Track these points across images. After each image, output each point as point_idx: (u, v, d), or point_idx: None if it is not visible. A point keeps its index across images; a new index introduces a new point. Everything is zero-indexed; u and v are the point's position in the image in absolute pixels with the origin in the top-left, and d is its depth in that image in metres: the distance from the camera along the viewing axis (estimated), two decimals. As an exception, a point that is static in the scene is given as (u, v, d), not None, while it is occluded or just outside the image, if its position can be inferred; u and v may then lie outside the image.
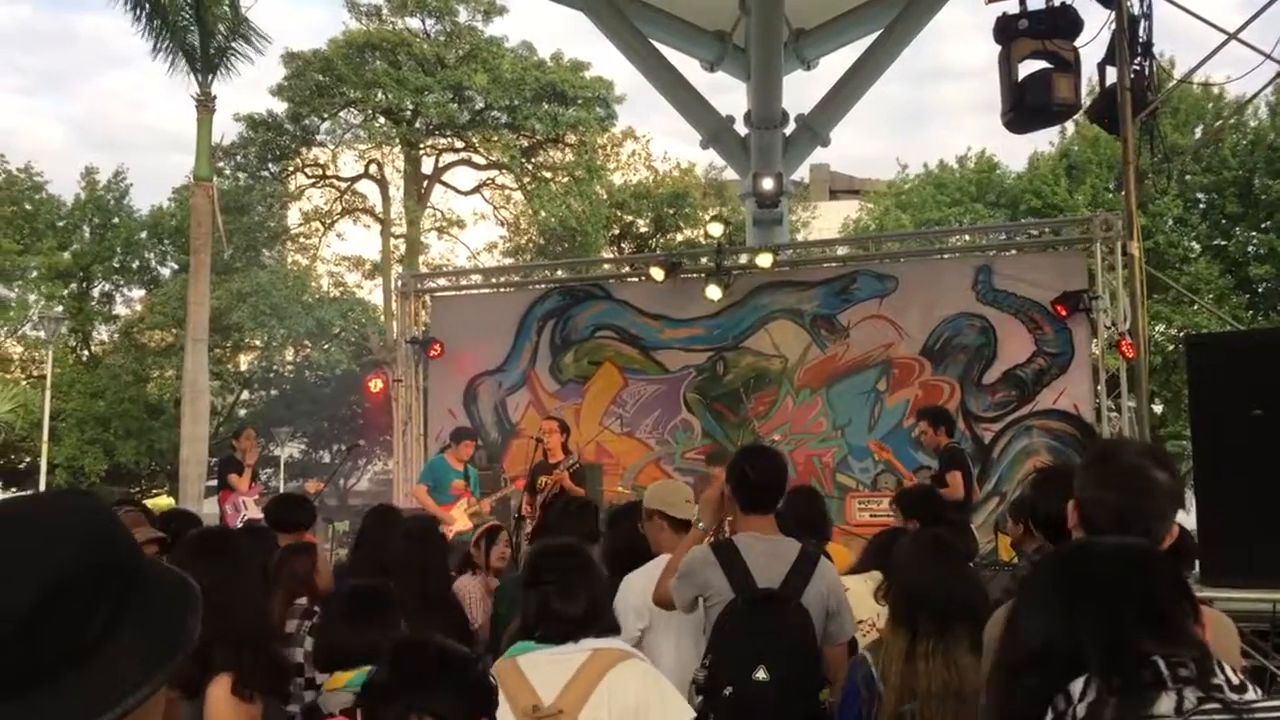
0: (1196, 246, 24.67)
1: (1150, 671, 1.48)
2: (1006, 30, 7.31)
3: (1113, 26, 6.70)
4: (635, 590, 4.01)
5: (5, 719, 0.94)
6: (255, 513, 10.03)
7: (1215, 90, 23.20)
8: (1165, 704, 1.46)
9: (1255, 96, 17.74)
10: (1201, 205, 24.95)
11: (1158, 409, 23.41)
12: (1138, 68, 6.86)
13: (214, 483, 12.69)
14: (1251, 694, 1.51)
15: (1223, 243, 24.54)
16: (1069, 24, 7.14)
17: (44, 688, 0.95)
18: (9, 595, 0.95)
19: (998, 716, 1.64)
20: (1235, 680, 1.52)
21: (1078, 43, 7.15)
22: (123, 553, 1.06)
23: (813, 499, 5.71)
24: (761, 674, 3.42)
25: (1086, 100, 8.65)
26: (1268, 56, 6.61)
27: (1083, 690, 1.49)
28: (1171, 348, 22.37)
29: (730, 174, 23.65)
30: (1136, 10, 6.84)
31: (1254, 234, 24.60)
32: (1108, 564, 1.65)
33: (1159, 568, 1.68)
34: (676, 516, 4.16)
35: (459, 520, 9.16)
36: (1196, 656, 1.51)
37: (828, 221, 34.32)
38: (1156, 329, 23.18)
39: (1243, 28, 6.84)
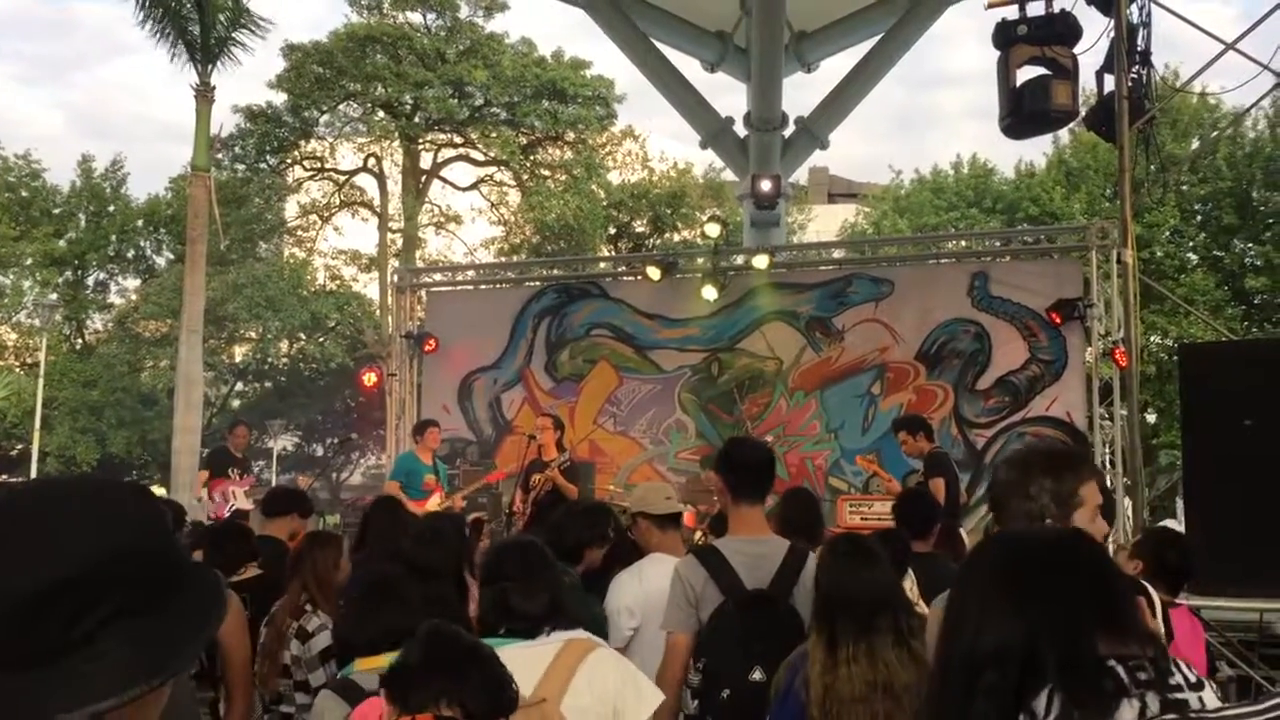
0: (1194, 257, 24.71)
1: (1111, 680, 1.46)
2: (1005, 36, 7.32)
3: (1111, 34, 6.71)
4: (626, 590, 4.03)
5: None
6: (244, 504, 10.02)
7: (1213, 100, 23.27)
8: (1128, 713, 1.46)
9: (1252, 107, 17.78)
10: (1199, 216, 24.98)
11: (1151, 419, 23.46)
12: (1136, 76, 6.88)
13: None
14: (1208, 691, 1.53)
15: (1219, 254, 24.58)
16: (1068, 31, 7.15)
17: (12, 673, 0.95)
18: (14, 580, 0.95)
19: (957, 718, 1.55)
20: (1192, 678, 1.53)
21: (1076, 50, 7.17)
22: (151, 557, 1.05)
23: (807, 501, 5.74)
24: (758, 674, 3.44)
25: (1084, 108, 8.67)
26: (1265, 67, 6.63)
27: (1046, 706, 1.45)
28: (1166, 357, 22.40)
29: (729, 175, 23.67)
30: (1135, 19, 6.86)
31: (1251, 246, 24.64)
32: (1050, 555, 1.60)
33: (1100, 555, 1.64)
34: (656, 514, 4.22)
35: None
36: (1153, 656, 1.51)
37: (826, 224, 34.39)
38: (1152, 339, 23.22)
39: (1240, 38, 6.87)
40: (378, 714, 2.32)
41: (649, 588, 3.95)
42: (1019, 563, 1.60)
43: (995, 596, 1.54)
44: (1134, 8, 6.82)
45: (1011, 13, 7.29)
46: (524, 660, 2.72)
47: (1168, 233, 24.17)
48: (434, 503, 9.41)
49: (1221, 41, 6.94)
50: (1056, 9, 7.16)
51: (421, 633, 2.19)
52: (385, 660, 2.85)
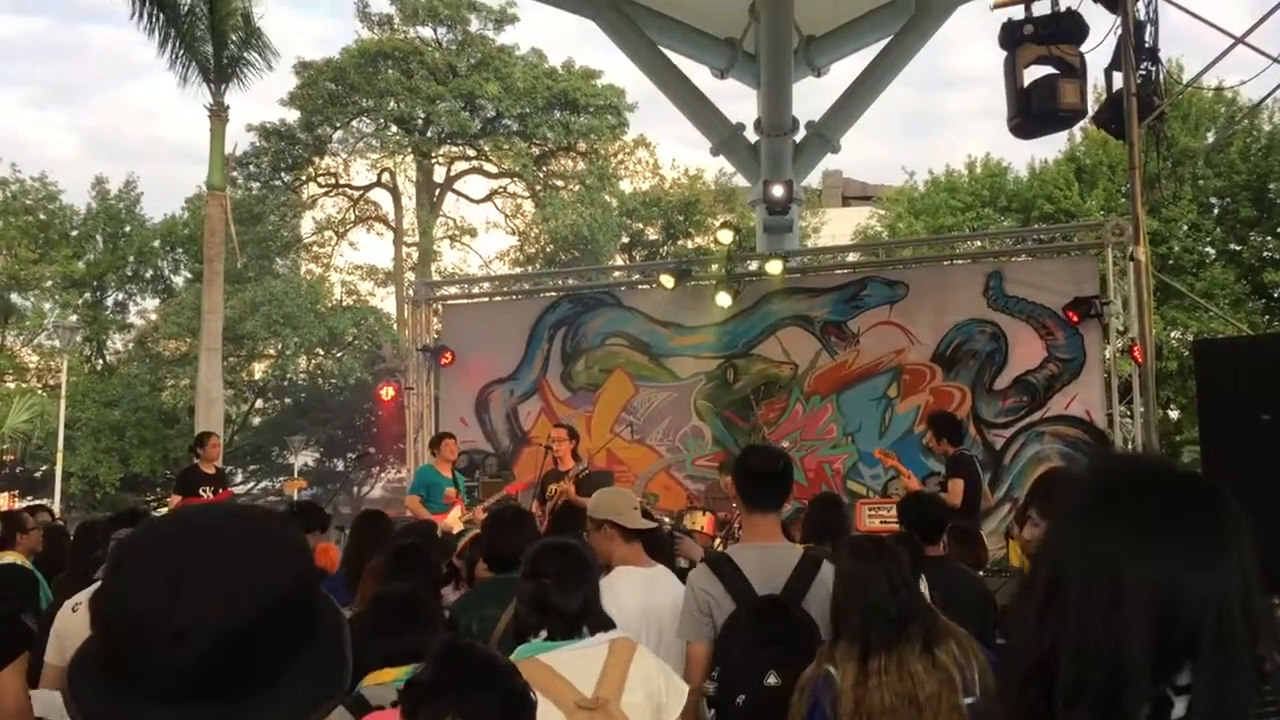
0: (1211, 251, 24.54)
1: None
2: (1012, 36, 7.30)
3: (1118, 32, 6.68)
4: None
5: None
6: None
7: (1227, 94, 23.12)
8: None
9: (1262, 101, 17.66)
10: (1216, 210, 24.81)
11: (1174, 415, 23.30)
12: (1144, 72, 6.85)
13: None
14: None
15: (1238, 248, 24.40)
16: (1074, 29, 7.12)
17: (243, 699, 1.01)
18: (238, 605, 1.00)
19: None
20: None
21: (1084, 48, 7.15)
22: (313, 585, 1.12)
23: (834, 506, 5.73)
24: (773, 679, 3.43)
25: (1093, 105, 8.66)
26: (1274, 60, 6.59)
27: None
28: (1187, 353, 22.23)
29: (740, 180, 23.65)
30: (1142, 15, 6.84)
31: (1269, 239, 24.46)
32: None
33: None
34: (627, 526, 4.05)
35: (455, 528, 9.17)
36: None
37: (840, 227, 34.27)
38: (1173, 335, 23.07)
39: (1249, 32, 6.84)
40: None
41: (623, 603, 3.79)
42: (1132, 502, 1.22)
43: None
44: (1140, 5, 6.81)
45: (1018, 13, 7.27)
46: (577, 662, 2.82)
47: (1185, 227, 24.01)
48: (455, 515, 9.42)
49: (1230, 35, 6.92)
50: (1063, 8, 7.14)
51: (436, 648, 2.20)
52: (394, 674, 2.87)
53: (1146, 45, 6.83)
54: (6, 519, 6.07)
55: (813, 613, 3.59)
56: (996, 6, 7.32)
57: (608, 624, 3.00)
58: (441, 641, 2.26)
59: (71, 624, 4.13)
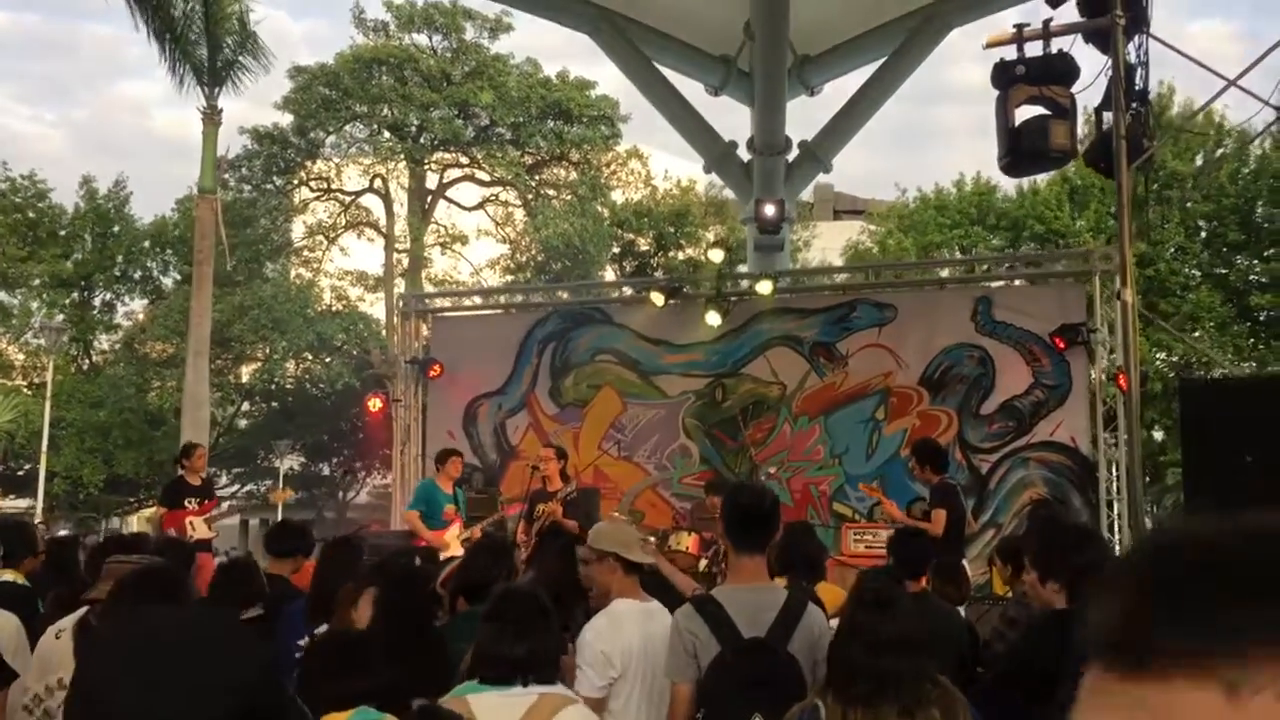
0: (1198, 274, 24.69)
1: None
2: (1004, 76, 7.36)
3: (1109, 73, 6.75)
4: (604, 637, 3.91)
5: None
6: (204, 533, 9.64)
7: (1217, 118, 23.28)
8: None
9: (1255, 140, 17.80)
10: (1203, 233, 24.97)
11: (1158, 436, 23.42)
12: (1134, 112, 6.92)
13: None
14: None
15: (1223, 271, 24.56)
16: (1066, 71, 7.19)
17: None
18: (213, 704, 1.03)
19: None
20: None
21: (1074, 88, 7.22)
22: (280, 680, 1.18)
23: (807, 535, 5.74)
24: (758, 722, 3.45)
25: (1083, 132, 8.72)
26: (1265, 103, 6.68)
27: None
28: (1173, 375, 22.37)
29: (731, 191, 23.70)
30: (1133, 58, 6.90)
31: (1256, 262, 24.61)
32: None
33: None
34: (632, 560, 4.09)
35: (453, 545, 9.15)
36: None
37: (831, 240, 34.34)
38: (1158, 356, 23.19)
39: (1242, 75, 6.92)
40: None
41: (626, 635, 3.89)
42: None
43: None
44: (1131, 47, 6.87)
45: (1010, 52, 7.35)
46: (498, 709, 2.83)
47: (1172, 249, 24.16)
48: (453, 533, 9.38)
49: (1223, 78, 7.00)
50: (1054, 49, 7.21)
51: (415, 712, 2.22)
52: (343, 718, 2.88)
53: (1137, 88, 6.90)
54: (19, 532, 5.92)
55: (798, 655, 3.61)
56: (989, 46, 7.38)
57: (550, 679, 3.03)
58: (419, 709, 2.28)
59: (53, 650, 4.12)
